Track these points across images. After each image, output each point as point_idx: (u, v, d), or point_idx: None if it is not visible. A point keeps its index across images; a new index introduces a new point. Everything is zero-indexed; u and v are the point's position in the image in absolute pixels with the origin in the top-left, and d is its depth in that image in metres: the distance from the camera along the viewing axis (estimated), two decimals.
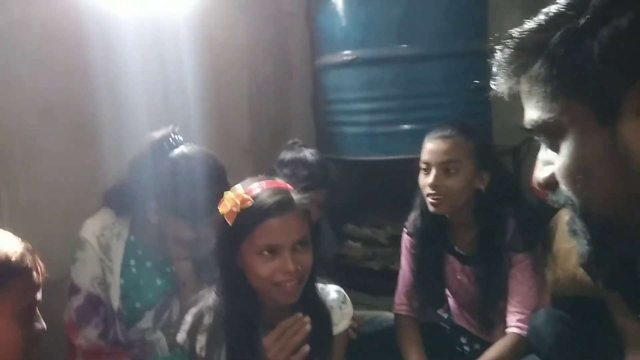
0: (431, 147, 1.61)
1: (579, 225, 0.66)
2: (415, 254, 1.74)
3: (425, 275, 1.72)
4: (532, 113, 0.66)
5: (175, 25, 2.12)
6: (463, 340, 1.75)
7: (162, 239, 1.56)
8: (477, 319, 1.71)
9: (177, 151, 1.53)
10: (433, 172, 1.58)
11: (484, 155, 1.61)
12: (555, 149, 0.66)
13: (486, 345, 1.66)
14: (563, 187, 0.66)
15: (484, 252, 1.61)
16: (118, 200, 1.58)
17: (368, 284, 2.46)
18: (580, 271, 1.60)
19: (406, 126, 2.33)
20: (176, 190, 1.48)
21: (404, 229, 1.79)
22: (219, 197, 1.35)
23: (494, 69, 0.71)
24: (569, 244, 1.80)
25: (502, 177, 1.68)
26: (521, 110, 2.19)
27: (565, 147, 0.64)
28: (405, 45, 2.27)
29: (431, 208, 1.60)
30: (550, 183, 0.68)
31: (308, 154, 1.86)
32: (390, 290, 2.46)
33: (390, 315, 1.97)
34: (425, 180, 1.60)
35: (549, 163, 0.67)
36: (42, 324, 1.02)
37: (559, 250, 1.81)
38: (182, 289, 1.58)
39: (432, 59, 2.29)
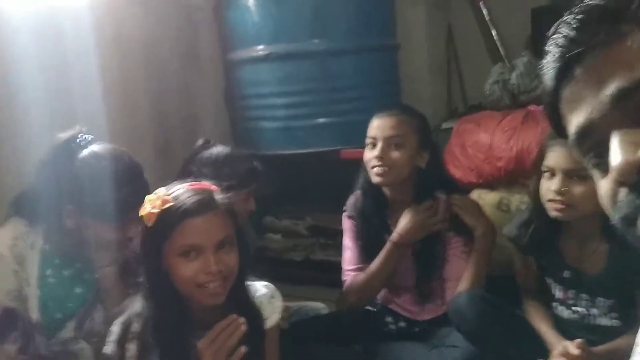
0: (378, 123, 1.73)
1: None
2: (356, 233, 1.83)
3: (367, 254, 1.79)
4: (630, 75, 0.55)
5: (75, 19, 2.01)
6: (389, 319, 1.82)
7: (80, 245, 1.50)
8: (411, 296, 1.80)
9: (88, 151, 1.47)
10: (379, 145, 1.69)
11: (425, 134, 1.76)
12: None
13: (411, 323, 1.76)
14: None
15: None
16: (28, 207, 1.50)
17: (290, 275, 2.49)
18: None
19: (322, 120, 2.37)
20: (92, 191, 1.43)
21: (344, 211, 1.89)
22: (138, 193, 1.33)
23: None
24: None
25: (438, 160, 1.85)
26: (428, 101, 2.29)
27: None
28: (317, 40, 2.30)
29: (376, 179, 1.71)
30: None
31: (227, 150, 1.84)
32: (313, 280, 2.51)
33: (315, 304, 2.02)
34: (371, 154, 1.71)
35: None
36: None
37: None
38: (107, 297, 1.53)
39: (345, 53, 2.34)
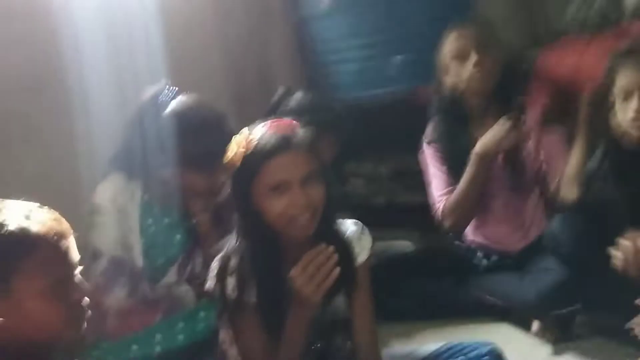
0: (462, 36, 1.78)
1: None
2: (442, 156, 1.84)
3: (456, 174, 1.80)
4: None
5: None
6: (479, 254, 1.81)
7: (176, 194, 1.57)
8: (503, 227, 1.79)
9: (174, 103, 1.54)
10: (473, 56, 1.73)
11: (494, 41, 1.81)
12: None
13: (503, 255, 1.74)
14: None
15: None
16: (126, 162, 1.59)
17: (374, 218, 2.51)
18: None
19: (397, 58, 2.32)
20: (183, 142, 1.49)
21: (425, 143, 1.90)
22: (224, 140, 1.35)
23: None
24: None
25: (509, 63, 1.87)
26: (509, 29, 2.18)
27: None
28: None
29: (478, 85, 1.75)
30: None
31: (309, 97, 1.87)
32: (397, 223, 2.52)
33: (402, 243, 2.03)
34: (465, 67, 1.74)
35: None
36: (82, 291, 1.01)
37: None
38: (204, 241, 1.60)
39: None
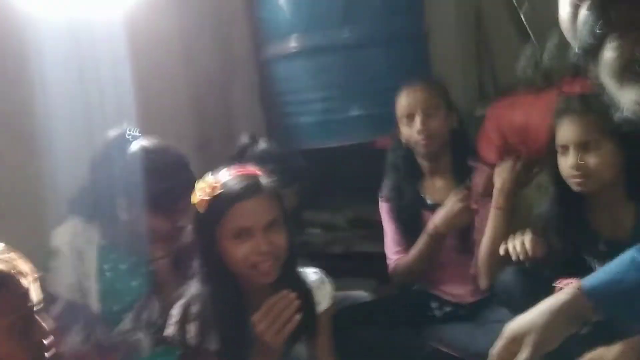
0: (408, 99, 1.81)
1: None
2: (393, 213, 1.88)
3: (407, 232, 1.84)
4: None
5: (111, 27, 2.09)
6: (434, 305, 1.85)
7: (135, 237, 1.57)
8: (455, 279, 1.82)
9: (136, 145, 1.55)
10: (418, 119, 1.76)
11: (447, 96, 1.86)
12: None
13: (457, 306, 1.78)
14: None
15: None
16: (85, 204, 1.58)
17: (331, 267, 2.52)
18: None
19: (356, 112, 2.40)
20: (144, 183, 1.50)
21: (380, 198, 1.94)
22: (186, 183, 1.41)
23: None
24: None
25: (462, 120, 1.93)
26: (460, 88, 2.27)
27: None
28: (347, 31, 2.33)
29: (422, 150, 1.79)
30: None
31: (274, 148, 1.91)
32: (354, 272, 2.54)
33: (358, 293, 2.05)
34: (411, 130, 1.78)
35: None
36: (43, 330, 1.01)
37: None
38: (162, 288, 1.59)
39: (375, 44, 2.36)
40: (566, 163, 1.48)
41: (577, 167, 1.44)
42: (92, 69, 2.01)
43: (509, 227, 1.69)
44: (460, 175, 1.81)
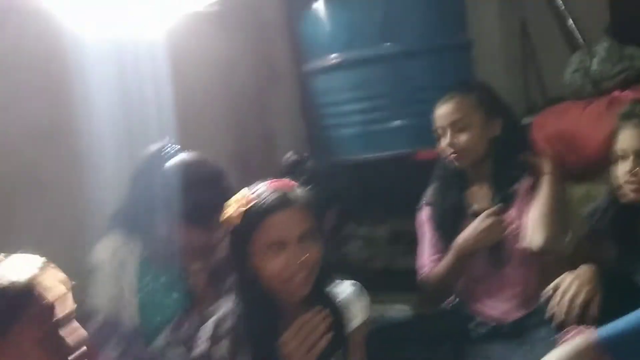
0: (439, 113, 1.77)
1: None
2: (435, 217, 1.83)
3: (446, 237, 1.79)
4: None
5: (154, 47, 2.14)
6: (471, 325, 1.79)
7: (174, 251, 1.58)
8: (498, 297, 1.76)
9: (175, 159, 1.57)
10: (448, 133, 1.72)
11: (489, 102, 1.77)
12: None
13: (499, 325, 1.71)
14: None
15: (502, 200, 1.72)
16: (126, 219, 1.60)
17: (371, 283, 2.49)
18: None
19: (398, 122, 2.39)
20: (181, 195, 1.51)
21: (422, 204, 1.90)
22: (222, 196, 1.38)
23: None
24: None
25: (514, 123, 1.85)
26: (504, 97, 2.21)
27: None
28: (389, 44, 2.33)
29: (455, 163, 1.75)
30: None
31: (322, 167, 1.92)
32: (395, 287, 2.50)
33: (398, 307, 2.01)
34: (443, 144, 1.75)
35: None
36: (70, 344, 1.02)
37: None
38: (200, 302, 1.59)
39: (417, 55, 2.35)
40: (624, 169, 1.44)
41: (634, 173, 1.41)
42: (135, 87, 2.05)
43: (562, 194, 1.67)
44: (502, 184, 1.75)
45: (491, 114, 1.75)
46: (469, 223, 1.74)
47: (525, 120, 2.58)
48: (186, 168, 1.54)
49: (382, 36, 2.32)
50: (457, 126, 1.72)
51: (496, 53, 2.72)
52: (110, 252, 1.56)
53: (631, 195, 1.43)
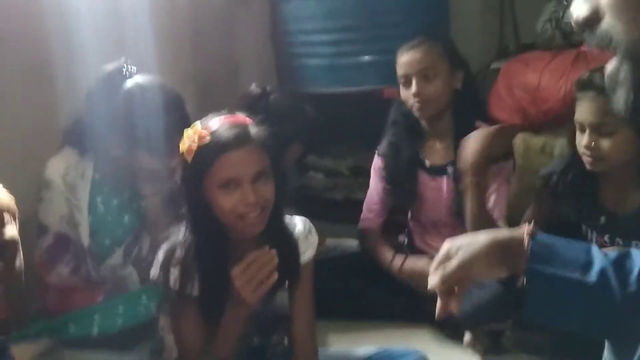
0: (405, 59, 1.73)
1: (623, 71, 0.62)
2: (387, 172, 1.82)
3: (398, 190, 1.80)
4: None
5: None
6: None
7: (127, 174, 1.57)
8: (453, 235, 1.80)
9: (132, 81, 1.53)
10: (414, 81, 1.68)
11: (453, 54, 1.75)
12: None
13: None
14: (612, 20, 0.59)
15: (454, 161, 1.70)
16: (79, 137, 1.57)
17: (331, 213, 2.54)
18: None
19: (367, 57, 2.34)
20: (135, 120, 1.49)
21: (376, 152, 1.89)
22: (180, 123, 1.39)
23: None
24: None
25: (471, 78, 1.84)
26: (477, 39, 2.21)
27: None
28: None
29: (417, 113, 1.72)
30: (591, 20, 0.62)
31: (287, 103, 1.89)
32: (352, 219, 2.56)
33: (352, 242, 2.07)
34: (408, 92, 1.70)
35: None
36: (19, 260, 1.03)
37: (519, 166, 1.93)
38: (152, 225, 1.60)
39: None
40: (581, 141, 1.44)
41: (590, 148, 1.41)
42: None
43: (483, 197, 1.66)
44: (462, 137, 1.74)
45: (454, 65, 1.73)
46: (423, 177, 1.76)
47: (495, 65, 2.59)
48: (143, 92, 1.50)
49: None
50: (424, 74, 1.69)
51: None
52: (62, 171, 1.54)
53: (587, 166, 1.45)
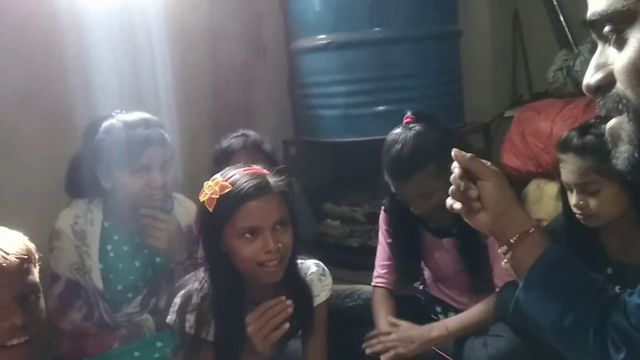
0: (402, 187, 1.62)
1: (626, 130, 0.64)
2: (391, 230, 1.80)
3: (401, 250, 1.78)
4: (600, 3, 0.63)
5: (145, 13, 2.14)
6: (438, 309, 1.83)
7: (130, 206, 1.60)
8: (460, 287, 1.77)
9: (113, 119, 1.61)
10: (415, 201, 1.60)
11: (444, 148, 1.60)
12: (620, 44, 0.62)
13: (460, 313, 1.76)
14: (621, 84, 0.62)
15: (460, 223, 1.66)
16: (80, 185, 1.63)
17: (347, 260, 2.54)
18: None
19: (380, 107, 2.39)
20: (106, 144, 1.55)
21: (382, 206, 1.85)
22: (156, 140, 1.52)
23: None
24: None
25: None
26: (490, 88, 2.25)
27: (636, 38, 0.60)
28: (377, 29, 2.32)
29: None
30: (604, 85, 0.65)
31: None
32: (369, 266, 2.55)
33: (368, 288, 2.06)
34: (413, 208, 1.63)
35: (604, 66, 0.65)
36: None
37: (535, 213, 1.91)
38: (172, 276, 1.62)
39: (404, 41, 2.34)
40: (570, 199, 1.42)
41: (579, 207, 1.39)
42: (120, 51, 2.06)
43: None
44: None
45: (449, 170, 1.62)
46: (428, 237, 1.73)
47: (509, 113, 2.63)
48: (122, 118, 1.58)
49: (370, 20, 2.31)
50: (425, 193, 1.56)
51: (485, 43, 2.74)
52: (70, 220, 1.59)
53: (583, 222, 1.42)
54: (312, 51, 2.46)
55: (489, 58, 2.77)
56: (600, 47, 0.66)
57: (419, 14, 2.34)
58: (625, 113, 0.62)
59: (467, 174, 0.95)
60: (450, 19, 2.51)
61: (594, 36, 0.67)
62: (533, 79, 2.85)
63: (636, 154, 0.62)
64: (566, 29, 2.62)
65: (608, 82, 0.64)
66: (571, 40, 2.58)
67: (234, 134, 1.99)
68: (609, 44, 0.64)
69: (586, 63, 2.25)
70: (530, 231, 0.93)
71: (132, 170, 1.55)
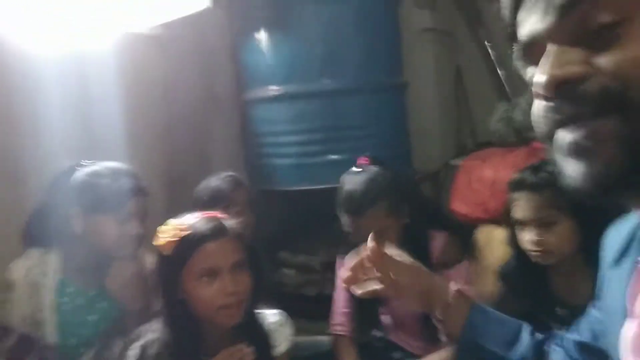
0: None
1: (616, 132, 0.55)
2: None
3: (359, 299, 1.79)
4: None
5: (99, 62, 2.14)
6: (397, 356, 1.85)
7: (92, 254, 1.59)
8: (418, 337, 1.79)
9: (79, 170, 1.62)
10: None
11: (392, 191, 1.67)
12: (612, 40, 0.55)
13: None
14: (621, 81, 0.54)
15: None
16: (38, 235, 1.61)
17: (304, 309, 2.52)
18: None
19: (332, 156, 2.44)
20: (91, 188, 1.56)
21: (339, 254, 1.87)
22: (143, 190, 1.58)
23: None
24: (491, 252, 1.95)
25: (422, 203, 1.84)
26: (437, 138, 2.32)
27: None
28: (328, 80, 2.39)
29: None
30: (573, 80, 0.57)
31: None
32: (325, 315, 2.55)
33: (326, 339, 2.05)
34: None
35: (574, 63, 0.57)
36: None
37: (488, 264, 1.97)
38: (125, 327, 1.59)
39: (354, 92, 2.42)
40: (524, 237, 1.45)
41: (537, 243, 1.42)
42: (76, 102, 2.04)
43: None
44: (417, 244, 1.68)
45: (395, 204, 1.66)
46: None
47: (455, 162, 2.73)
48: (97, 167, 1.61)
49: (321, 72, 2.39)
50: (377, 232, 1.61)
51: (430, 96, 2.86)
52: (23, 271, 1.56)
53: (536, 260, 1.46)
54: (264, 102, 2.51)
55: (434, 109, 2.89)
56: (555, 49, 0.59)
57: (367, 67, 2.44)
58: (619, 112, 0.55)
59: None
60: (396, 72, 2.62)
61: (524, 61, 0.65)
62: (477, 130, 2.99)
63: (626, 161, 0.55)
64: (504, 82, 2.78)
65: (580, 78, 0.56)
66: (509, 93, 2.74)
67: (218, 176, 2.04)
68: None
69: (525, 113, 2.41)
70: (449, 302, 1.01)
71: (117, 217, 1.56)
